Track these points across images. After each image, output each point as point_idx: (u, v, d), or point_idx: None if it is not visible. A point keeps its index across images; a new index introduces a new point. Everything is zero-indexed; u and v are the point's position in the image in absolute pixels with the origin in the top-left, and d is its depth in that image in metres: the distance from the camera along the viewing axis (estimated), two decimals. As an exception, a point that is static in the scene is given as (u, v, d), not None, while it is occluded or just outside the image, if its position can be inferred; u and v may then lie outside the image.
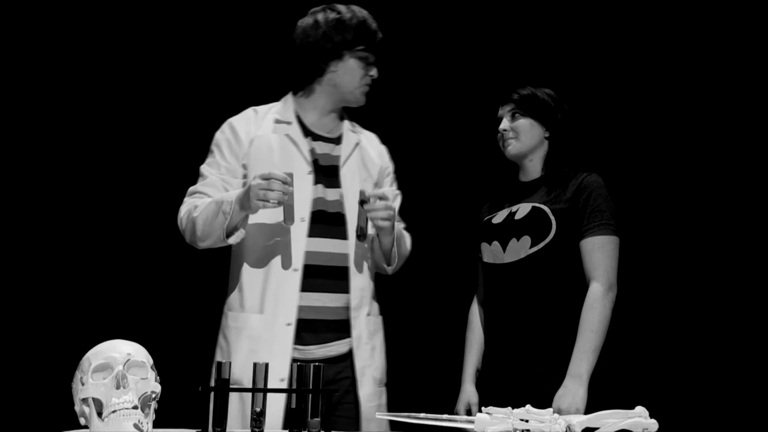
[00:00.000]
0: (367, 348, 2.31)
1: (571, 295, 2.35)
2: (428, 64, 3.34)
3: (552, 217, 2.37)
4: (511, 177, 2.59)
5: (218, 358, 2.30)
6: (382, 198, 2.23)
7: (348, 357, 2.29)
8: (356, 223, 2.26)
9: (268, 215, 2.27)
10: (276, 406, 2.11)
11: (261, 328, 2.23)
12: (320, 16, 2.34)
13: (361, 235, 2.23)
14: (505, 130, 2.50)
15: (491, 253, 2.45)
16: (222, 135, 2.37)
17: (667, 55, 3.25)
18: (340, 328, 2.29)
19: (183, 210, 2.31)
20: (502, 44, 3.32)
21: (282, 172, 2.14)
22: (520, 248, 2.38)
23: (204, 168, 2.36)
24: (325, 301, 2.27)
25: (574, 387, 2.24)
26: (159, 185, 3.10)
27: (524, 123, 2.49)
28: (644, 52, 3.28)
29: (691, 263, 3.16)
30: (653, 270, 3.13)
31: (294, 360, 2.19)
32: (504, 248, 2.41)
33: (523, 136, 2.49)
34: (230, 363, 1.67)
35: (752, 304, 3.10)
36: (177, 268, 2.86)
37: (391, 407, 2.42)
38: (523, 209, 2.44)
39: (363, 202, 2.23)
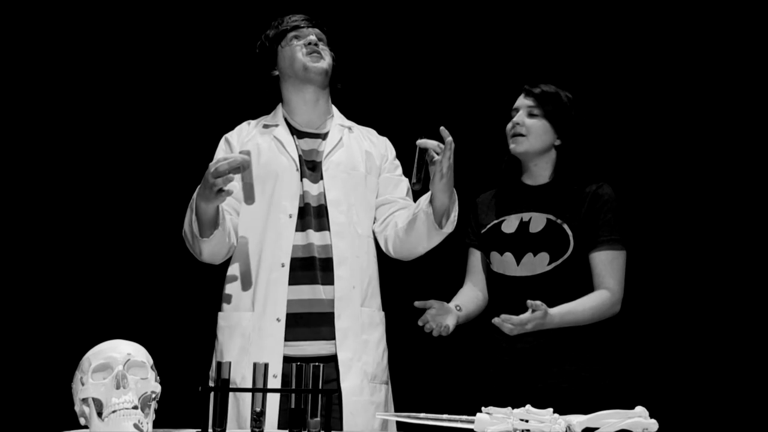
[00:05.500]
0: (358, 341, 2.27)
1: None
2: (428, 62, 3.34)
3: (570, 234, 2.36)
4: (513, 177, 2.55)
5: (215, 358, 2.33)
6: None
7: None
8: (412, 174, 2.17)
9: (255, 214, 2.30)
10: (271, 406, 2.10)
11: (251, 326, 2.25)
12: (258, 43, 2.50)
13: (418, 182, 2.16)
14: (518, 123, 2.43)
15: (502, 263, 2.41)
16: (219, 150, 2.44)
17: (676, 66, 3.24)
18: (333, 320, 2.26)
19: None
20: (506, 44, 3.31)
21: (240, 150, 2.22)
22: (537, 264, 2.35)
23: None
24: (315, 293, 2.26)
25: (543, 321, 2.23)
26: (159, 186, 3.10)
27: (539, 124, 2.43)
28: (652, 61, 3.25)
29: (689, 264, 3.15)
30: (651, 271, 3.13)
31: (285, 358, 2.20)
32: (518, 261, 2.38)
33: (533, 138, 2.43)
34: (230, 363, 1.67)
35: (751, 304, 3.10)
36: (177, 269, 2.85)
37: (393, 407, 2.42)
38: (537, 221, 2.40)
39: (424, 150, 2.15)
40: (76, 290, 3.10)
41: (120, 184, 3.17)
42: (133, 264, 3.14)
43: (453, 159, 2.15)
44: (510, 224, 2.44)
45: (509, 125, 2.47)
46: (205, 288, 2.67)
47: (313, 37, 2.41)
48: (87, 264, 3.13)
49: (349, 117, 2.57)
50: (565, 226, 2.36)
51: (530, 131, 2.42)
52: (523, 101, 2.47)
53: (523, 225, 2.41)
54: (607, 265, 2.36)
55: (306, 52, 2.40)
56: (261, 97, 2.53)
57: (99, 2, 3.16)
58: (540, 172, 2.47)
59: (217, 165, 2.08)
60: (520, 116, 2.44)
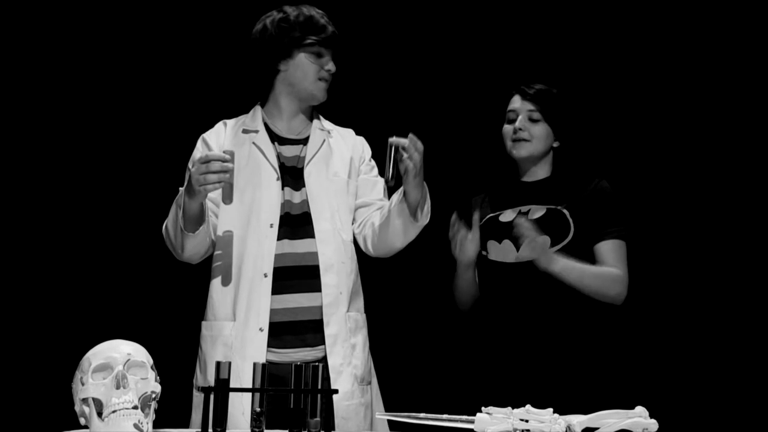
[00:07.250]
0: (346, 346, 2.26)
1: (586, 297, 2.36)
2: (406, 60, 3.32)
3: (570, 219, 2.37)
4: (510, 175, 2.56)
5: (197, 368, 2.32)
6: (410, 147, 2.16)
7: (326, 359, 2.24)
8: (385, 171, 2.17)
9: (236, 223, 2.29)
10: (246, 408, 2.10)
11: (234, 335, 2.24)
12: (268, 20, 2.37)
13: (391, 179, 2.16)
14: (520, 129, 2.43)
15: (501, 251, 2.42)
16: (195, 152, 2.40)
17: (666, 61, 3.24)
18: (319, 327, 2.25)
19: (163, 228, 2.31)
20: (498, 42, 3.30)
21: (221, 152, 2.14)
22: None
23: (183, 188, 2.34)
24: (300, 301, 2.26)
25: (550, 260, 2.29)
26: (159, 186, 3.09)
27: (542, 129, 2.44)
28: (644, 57, 3.26)
29: (689, 263, 3.15)
30: (651, 270, 3.13)
31: (271, 363, 2.16)
32: (517, 247, 2.38)
33: (536, 142, 2.44)
34: (229, 363, 1.67)
35: (752, 304, 3.10)
36: (177, 269, 2.85)
37: (391, 407, 2.42)
38: (536, 210, 2.42)
39: (395, 147, 2.15)
40: (75, 290, 3.10)
41: (119, 183, 3.17)
42: (133, 264, 3.14)
43: (422, 156, 2.16)
44: (508, 215, 2.45)
45: (509, 128, 2.47)
46: (205, 288, 2.67)
47: (332, 67, 2.36)
48: (86, 264, 3.12)
49: (327, 116, 2.54)
50: (565, 212, 2.38)
51: (533, 136, 2.44)
52: (522, 104, 2.46)
53: (522, 214, 2.42)
54: (613, 253, 2.38)
55: (322, 78, 2.36)
56: (253, 86, 2.45)
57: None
58: (539, 171, 2.49)
59: (209, 165, 2.06)
60: (521, 121, 2.44)
